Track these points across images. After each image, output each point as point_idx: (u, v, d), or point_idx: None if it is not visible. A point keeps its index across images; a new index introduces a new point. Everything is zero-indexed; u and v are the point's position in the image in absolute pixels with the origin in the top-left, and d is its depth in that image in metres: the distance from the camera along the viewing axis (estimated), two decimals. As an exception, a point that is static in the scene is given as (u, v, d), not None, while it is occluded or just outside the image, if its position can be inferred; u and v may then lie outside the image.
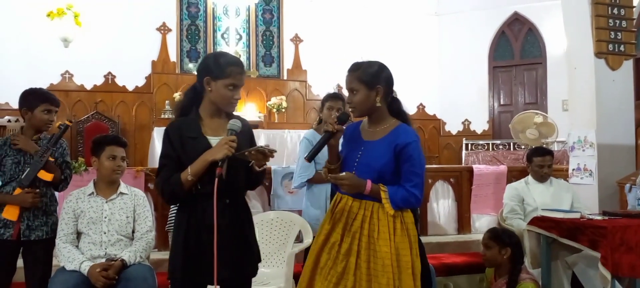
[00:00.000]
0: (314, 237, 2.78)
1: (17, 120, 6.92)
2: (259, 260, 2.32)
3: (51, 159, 2.79)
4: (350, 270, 2.17)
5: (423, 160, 2.23)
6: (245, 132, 2.23)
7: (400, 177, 2.21)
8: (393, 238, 2.16)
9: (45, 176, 2.77)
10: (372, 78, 2.23)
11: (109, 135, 3.35)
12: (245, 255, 2.21)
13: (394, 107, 2.31)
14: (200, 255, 2.09)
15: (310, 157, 2.26)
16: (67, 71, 7.63)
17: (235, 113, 2.28)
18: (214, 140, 2.13)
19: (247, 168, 2.13)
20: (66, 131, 2.88)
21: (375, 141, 2.26)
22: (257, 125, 7.57)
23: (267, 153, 2.08)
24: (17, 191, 2.75)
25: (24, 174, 2.75)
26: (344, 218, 2.25)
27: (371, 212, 2.21)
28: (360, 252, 2.18)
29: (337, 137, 2.28)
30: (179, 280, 2.14)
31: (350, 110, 2.34)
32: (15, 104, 6.99)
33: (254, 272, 2.28)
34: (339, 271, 2.19)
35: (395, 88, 2.37)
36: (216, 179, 1.99)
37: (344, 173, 2.20)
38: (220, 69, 2.13)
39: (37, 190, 2.78)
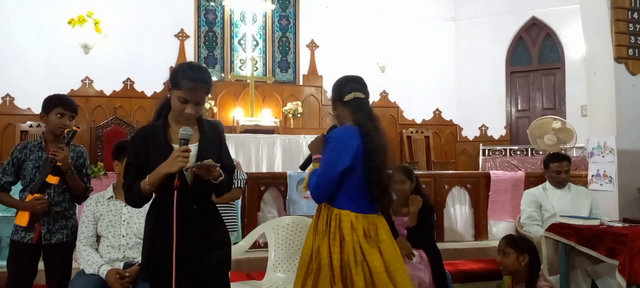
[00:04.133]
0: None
1: (38, 125, 7.06)
2: (228, 268, 2.30)
3: (59, 164, 2.79)
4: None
5: (333, 158, 2.32)
6: (213, 138, 2.23)
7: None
8: (327, 237, 2.32)
9: (52, 179, 2.82)
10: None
11: None
12: (210, 261, 2.19)
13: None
14: (162, 259, 2.09)
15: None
16: (87, 77, 7.76)
17: (211, 117, 2.30)
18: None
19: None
20: (74, 136, 2.88)
21: None
22: (272, 131, 7.62)
23: (210, 169, 2.06)
24: (29, 197, 2.81)
25: (35, 181, 2.81)
26: (315, 218, 2.45)
27: (328, 211, 2.37)
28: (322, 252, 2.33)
29: None
30: (145, 279, 2.21)
31: None
32: (36, 110, 7.17)
33: (223, 276, 2.28)
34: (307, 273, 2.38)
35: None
36: (175, 191, 2.03)
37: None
38: (176, 79, 2.12)
39: (46, 197, 2.82)
